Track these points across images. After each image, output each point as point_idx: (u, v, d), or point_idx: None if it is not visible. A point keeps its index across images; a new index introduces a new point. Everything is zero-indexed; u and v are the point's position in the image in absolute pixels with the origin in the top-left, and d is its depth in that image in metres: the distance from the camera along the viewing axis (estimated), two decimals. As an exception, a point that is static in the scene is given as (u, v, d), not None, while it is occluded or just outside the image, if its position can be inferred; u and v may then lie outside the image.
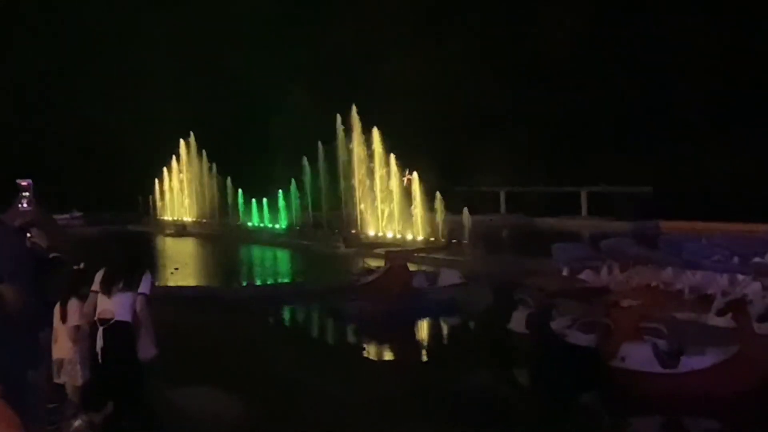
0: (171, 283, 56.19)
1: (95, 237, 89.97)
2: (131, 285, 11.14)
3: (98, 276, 11.70)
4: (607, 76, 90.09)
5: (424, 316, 41.76)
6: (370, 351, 34.53)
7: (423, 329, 41.05)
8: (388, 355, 34.16)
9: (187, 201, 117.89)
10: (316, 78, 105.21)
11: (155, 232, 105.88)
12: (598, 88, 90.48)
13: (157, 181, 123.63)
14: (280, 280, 56.90)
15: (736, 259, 40.48)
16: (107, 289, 11.03)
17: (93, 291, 11.84)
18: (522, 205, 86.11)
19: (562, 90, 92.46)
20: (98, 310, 11.10)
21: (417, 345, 37.81)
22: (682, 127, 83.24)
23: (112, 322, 10.75)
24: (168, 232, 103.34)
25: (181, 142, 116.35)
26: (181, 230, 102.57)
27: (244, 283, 50.00)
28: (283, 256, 75.66)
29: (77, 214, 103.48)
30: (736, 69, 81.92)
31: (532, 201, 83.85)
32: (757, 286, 32.48)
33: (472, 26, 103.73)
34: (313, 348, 33.73)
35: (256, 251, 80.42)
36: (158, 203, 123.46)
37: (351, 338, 38.36)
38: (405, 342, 37.31)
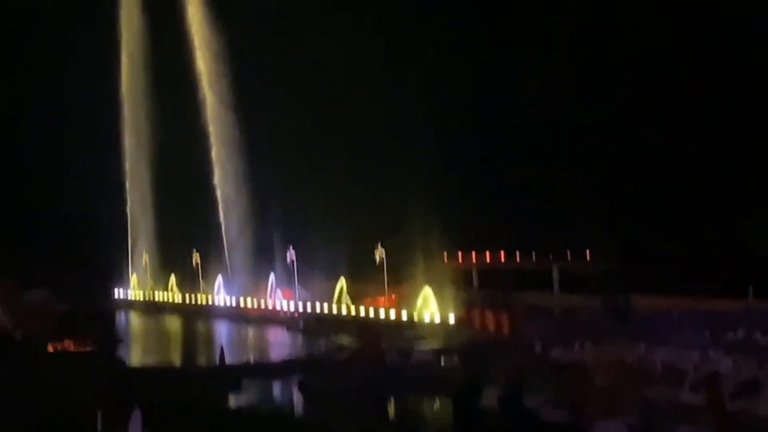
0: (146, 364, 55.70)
1: (65, 314, 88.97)
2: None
3: None
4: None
5: (398, 393, 41.52)
6: (342, 429, 34.11)
7: (396, 406, 40.77)
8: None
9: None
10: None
11: (127, 309, 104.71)
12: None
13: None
14: (250, 357, 56.36)
15: (707, 335, 40.48)
16: None
17: None
18: (493, 281, 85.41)
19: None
20: None
21: (390, 422, 37.52)
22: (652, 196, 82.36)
23: None
24: (139, 309, 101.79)
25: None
26: (151, 308, 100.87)
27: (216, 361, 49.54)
28: (255, 333, 75.00)
29: (43, 292, 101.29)
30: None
31: (503, 276, 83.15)
32: (729, 362, 32.52)
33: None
34: (286, 427, 33.34)
35: (225, 328, 79.80)
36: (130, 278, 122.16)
37: (324, 414, 37.95)
38: (377, 419, 37.04)
